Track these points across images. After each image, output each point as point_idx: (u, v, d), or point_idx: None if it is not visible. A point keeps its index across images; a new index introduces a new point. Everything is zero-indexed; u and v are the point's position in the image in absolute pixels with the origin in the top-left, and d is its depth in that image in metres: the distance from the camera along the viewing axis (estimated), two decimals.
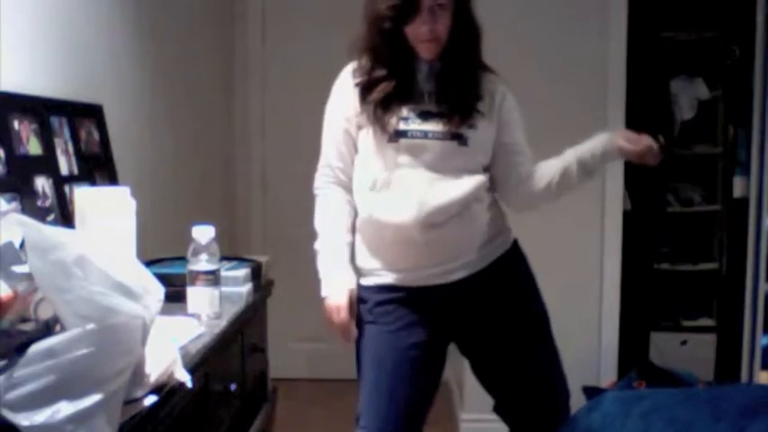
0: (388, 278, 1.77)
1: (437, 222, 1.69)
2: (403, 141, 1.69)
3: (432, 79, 1.73)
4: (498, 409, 1.92)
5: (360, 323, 1.79)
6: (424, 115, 1.70)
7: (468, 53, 1.75)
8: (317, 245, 1.81)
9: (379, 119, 1.70)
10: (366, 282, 1.81)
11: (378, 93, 1.71)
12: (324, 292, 1.77)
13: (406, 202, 1.69)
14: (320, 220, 1.83)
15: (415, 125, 1.69)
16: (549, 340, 1.87)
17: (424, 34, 1.66)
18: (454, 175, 1.70)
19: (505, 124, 1.79)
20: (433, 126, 1.69)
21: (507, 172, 1.82)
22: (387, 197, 1.72)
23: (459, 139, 1.70)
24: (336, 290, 1.75)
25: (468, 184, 1.71)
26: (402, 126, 1.69)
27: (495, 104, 1.77)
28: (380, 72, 1.71)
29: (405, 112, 1.70)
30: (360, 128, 1.76)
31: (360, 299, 1.79)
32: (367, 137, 1.74)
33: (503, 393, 1.89)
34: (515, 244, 1.88)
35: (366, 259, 1.81)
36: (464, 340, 1.89)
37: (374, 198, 1.74)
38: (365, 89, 1.73)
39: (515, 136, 1.81)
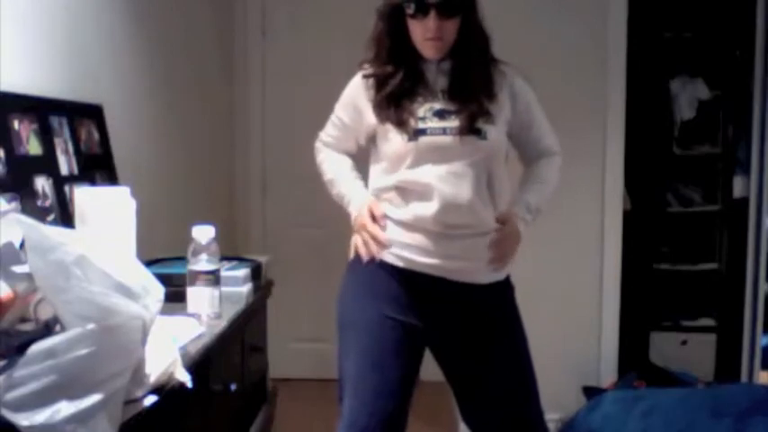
0: (397, 259, 1.77)
1: (457, 220, 1.71)
2: (423, 139, 1.71)
3: (443, 77, 1.76)
4: (468, 422, 1.91)
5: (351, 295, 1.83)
6: (441, 113, 1.73)
7: (478, 53, 1.77)
8: (332, 179, 1.93)
9: (395, 115, 1.72)
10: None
11: (390, 86, 1.74)
12: (352, 212, 1.86)
13: (428, 200, 1.71)
14: (328, 165, 1.95)
15: (433, 123, 1.72)
16: (531, 369, 1.85)
17: (431, 31, 1.69)
18: (475, 171, 1.72)
19: (523, 124, 1.83)
20: (451, 122, 1.72)
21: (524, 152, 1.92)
22: (410, 195, 1.73)
23: (477, 133, 1.71)
24: (362, 206, 1.83)
25: (485, 180, 1.74)
26: (420, 125, 1.72)
27: (510, 100, 1.79)
28: (388, 68, 1.75)
29: (421, 111, 1.73)
30: (375, 132, 1.79)
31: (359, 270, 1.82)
32: (385, 138, 1.76)
33: (475, 406, 1.88)
34: (509, 277, 1.88)
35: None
36: (445, 348, 1.88)
37: (399, 196, 1.76)
38: (378, 83, 1.77)
39: (531, 134, 1.87)
